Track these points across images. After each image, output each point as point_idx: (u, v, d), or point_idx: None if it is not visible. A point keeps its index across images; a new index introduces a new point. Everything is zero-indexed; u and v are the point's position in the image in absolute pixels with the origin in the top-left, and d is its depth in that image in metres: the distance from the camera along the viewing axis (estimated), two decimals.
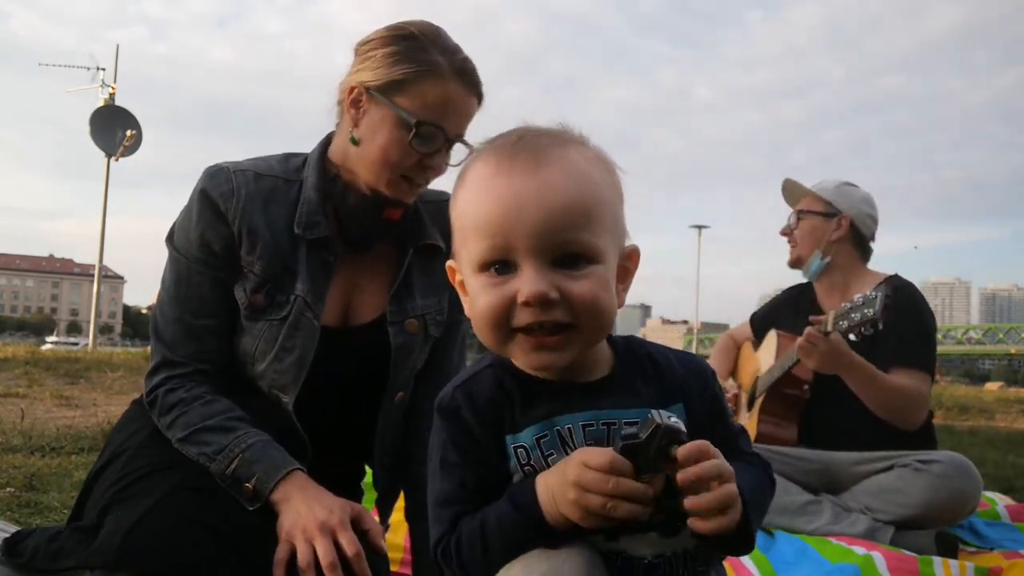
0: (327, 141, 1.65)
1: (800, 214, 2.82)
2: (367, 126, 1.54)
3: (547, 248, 0.91)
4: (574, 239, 0.91)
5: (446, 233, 1.68)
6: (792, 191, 2.94)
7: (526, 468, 0.96)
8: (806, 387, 2.64)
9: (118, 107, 15.91)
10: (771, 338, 2.81)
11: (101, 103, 16.02)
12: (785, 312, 2.91)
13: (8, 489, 2.69)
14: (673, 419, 0.86)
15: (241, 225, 1.53)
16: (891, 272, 2.74)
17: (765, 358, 2.82)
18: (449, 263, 1.04)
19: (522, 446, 0.96)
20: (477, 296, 0.95)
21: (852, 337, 2.30)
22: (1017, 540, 2.46)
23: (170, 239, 1.60)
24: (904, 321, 2.44)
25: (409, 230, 1.66)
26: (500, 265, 0.93)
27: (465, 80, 1.53)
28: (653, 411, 0.87)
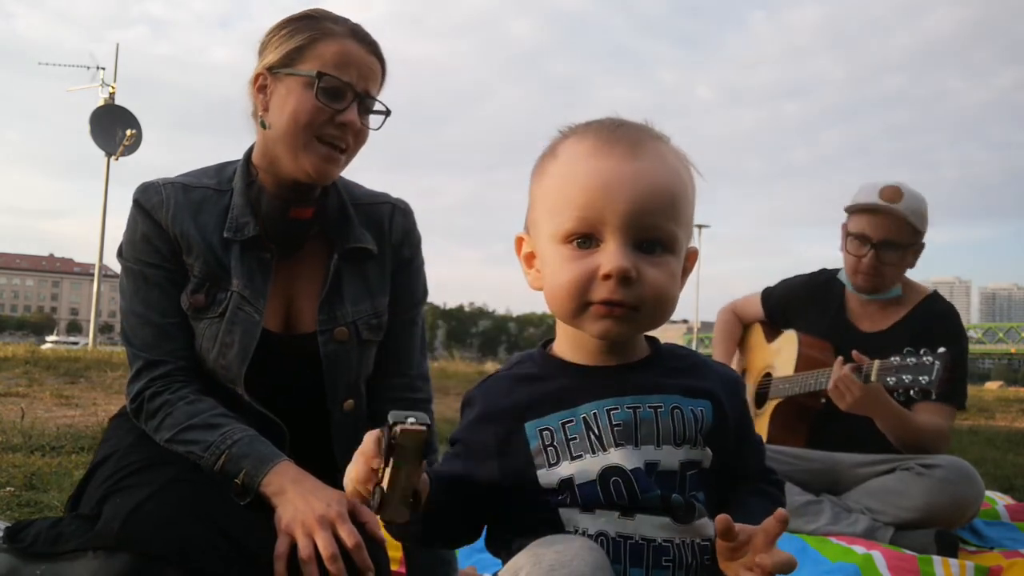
0: (251, 148, 1.66)
1: (892, 247, 2.47)
2: (275, 104, 1.56)
3: (634, 229, 0.96)
4: (659, 225, 0.97)
5: (378, 235, 1.69)
6: (898, 205, 2.45)
7: (549, 448, 1.00)
8: (823, 400, 2.57)
9: (118, 106, 15.91)
10: (791, 342, 2.70)
11: (101, 102, 16.03)
12: (805, 302, 2.75)
13: (8, 488, 2.69)
14: (410, 420, 0.87)
15: (175, 230, 1.57)
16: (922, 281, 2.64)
17: (781, 360, 2.74)
18: (519, 234, 1.08)
19: (548, 428, 1.01)
20: (558, 268, 0.99)
21: (896, 396, 2.23)
22: (1017, 539, 2.46)
23: (120, 254, 1.63)
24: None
25: (337, 234, 1.66)
26: (583, 239, 0.98)
27: (360, 39, 1.58)
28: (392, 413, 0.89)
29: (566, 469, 0.99)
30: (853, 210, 2.57)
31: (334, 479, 1.73)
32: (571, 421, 1.00)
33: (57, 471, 2.99)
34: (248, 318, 1.57)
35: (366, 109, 1.59)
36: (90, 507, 1.44)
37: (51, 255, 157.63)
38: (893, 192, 2.49)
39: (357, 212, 1.69)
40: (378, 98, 1.61)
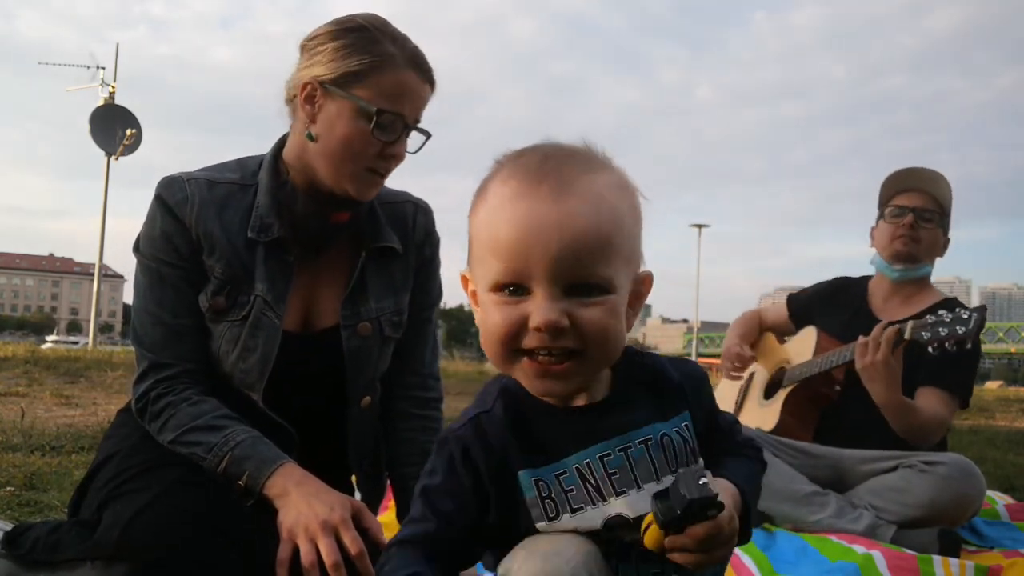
0: (281, 143, 1.64)
1: (927, 215, 2.62)
2: (324, 120, 1.53)
3: (562, 277, 0.91)
4: (590, 271, 0.91)
5: (403, 234, 1.70)
6: (929, 183, 2.65)
7: (547, 501, 0.96)
8: (837, 388, 2.61)
9: (118, 106, 15.92)
10: (809, 334, 2.76)
11: (101, 102, 16.03)
12: (827, 305, 2.84)
13: (8, 488, 2.68)
14: (703, 480, 0.89)
15: (199, 230, 1.54)
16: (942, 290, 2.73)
17: (799, 349, 2.77)
18: (463, 272, 1.02)
19: (542, 480, 0.97)
20: (489, 313, 0.95)
21: (930, 350, 2.27)
22: (1017, 539, 2.46)
23: (137, 248, 1.61)
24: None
25: (364, 232, 1.66)
26: (514, 287, 0.93)
27: (418, 68, 1.55)
28: (680, 475, 0.90)
29: (567, 523, 0.96)
30: (891, 192, 2.72)
31: (345, 479, 1.75)
32: (564, 472, 0.97)
33: (57, 471, 2.99)
34: (270, 323, 1.56)
35: (409, 133, 1.58)
36: (91, 511, 1.44)
37: (51, 255, 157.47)
38: (923, 172, 2.71)
39: (383, 210, 1.68)
40: (421, 123, 1.59)
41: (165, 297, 1.56)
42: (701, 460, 1.04)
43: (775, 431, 2.62)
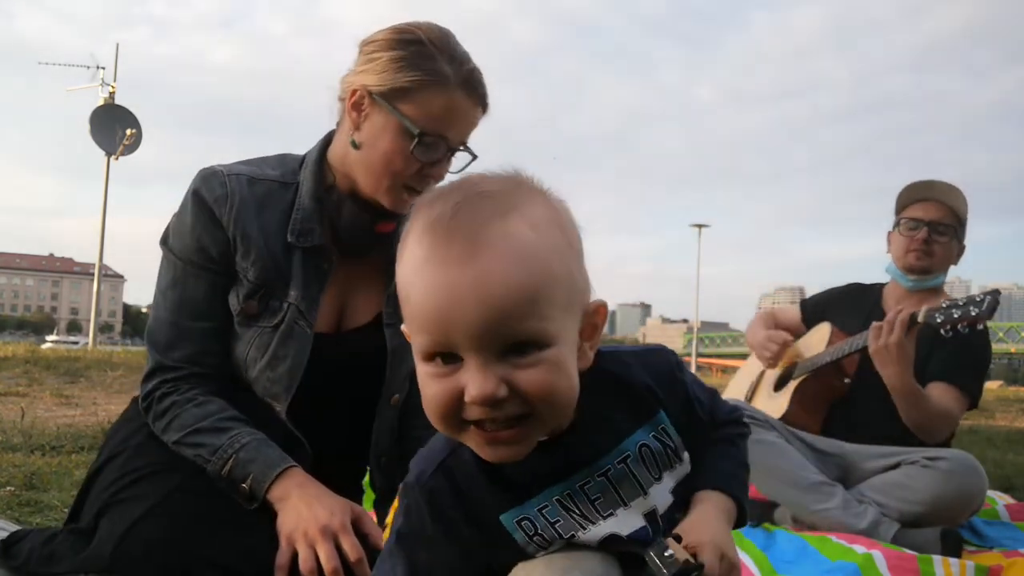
0: (327, 141, 1.61)
1: (941, 228, 2.66)
2: (369, 131, 1.50)
3: (491, 343, 0.83)
4: (520, 330, 0.83)
5: None
6: (944, 195, 2.68)
7: (535, 538, 0.94)
8: (847, 381, 2.64)
9: (118, 106, 15.94)
10: (823, 329, 2.79)
11: (101, 102, 16.04)
12: (840, 308, 2.87)
13: (8, 488, 2.68)
14: (668, 552, 0.90)
15: (235, 230, 1.51)
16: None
17: (812, 343, 2.81)
18: (403, 328, 0.92)
19: (526, 518, 0.94)
20: (425, 386, 0.88)
21: (943, 332, 2.30)
22: (1016, 539, 2.46)
23: (164, 241, 1.57)
24: (967, 343, 2.39)
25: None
26: (445, 355, 0.85)
27: (471, 91, 1.50)
28: (649, 560, 0.90)
29: (563, 549, 0.95)
30: (906, 202, 2.75)
31: (356, 478, 1.75)
32: (546, 506, 0.94)
33: (57, 471, 2.98)
34: (302, 332, 1.54)
35: (453, 154, 1.55)
36: (90, 516, 1.43)
37: (51, 255, 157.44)
38: (939, 184, 2.75)
39: None
40: (468, 143, 1.55)
41: (186, 298, 1.53)
42: (687, 455, 1.02)
43: (783, 420, 2.64)
